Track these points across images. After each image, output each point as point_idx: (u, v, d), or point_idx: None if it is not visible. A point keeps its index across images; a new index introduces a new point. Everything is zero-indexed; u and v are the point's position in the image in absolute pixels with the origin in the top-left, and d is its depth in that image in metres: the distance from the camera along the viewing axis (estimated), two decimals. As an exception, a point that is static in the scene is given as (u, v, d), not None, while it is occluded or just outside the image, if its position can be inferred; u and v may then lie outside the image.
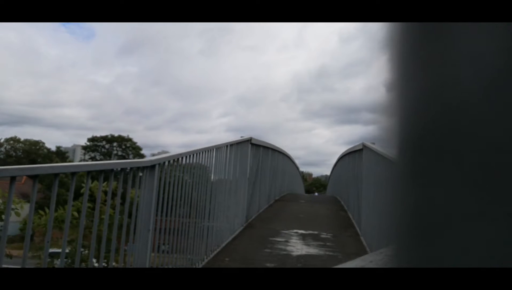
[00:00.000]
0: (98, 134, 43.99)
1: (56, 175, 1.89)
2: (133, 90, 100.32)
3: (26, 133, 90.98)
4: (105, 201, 2.52)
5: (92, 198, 3.06)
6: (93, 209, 2.47)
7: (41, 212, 5.74)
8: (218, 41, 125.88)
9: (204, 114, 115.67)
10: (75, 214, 4.84)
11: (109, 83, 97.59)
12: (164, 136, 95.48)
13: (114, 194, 2.62)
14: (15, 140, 43.70)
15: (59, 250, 2.07)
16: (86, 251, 2.27)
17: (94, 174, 2.24)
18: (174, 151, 3.41)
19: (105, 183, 2.62)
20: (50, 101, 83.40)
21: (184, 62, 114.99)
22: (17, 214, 5.00)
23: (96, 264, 2.51)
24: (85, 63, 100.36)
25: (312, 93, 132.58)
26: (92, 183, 4.27)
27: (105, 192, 2.62)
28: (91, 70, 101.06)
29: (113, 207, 2.95)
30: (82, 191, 4.34)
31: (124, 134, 44.38)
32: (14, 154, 42.42)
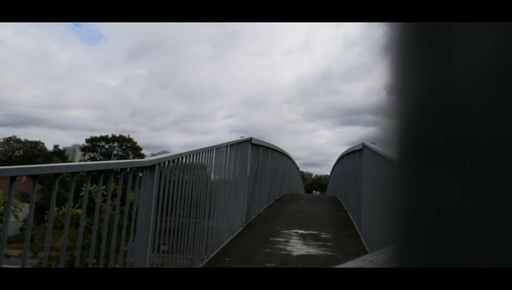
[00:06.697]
0: (103, 134, 43.85)
1: (56, 175, 1.89)
2: (140, 92, 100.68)
3: (30, 133, 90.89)
4: (105, 201, 2.52)
5: (92, 203, 3.06)
6: (93, 209, 2.47)
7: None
8: (225, 46, 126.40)
9: (209, 116, 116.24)
10: (78, 211, 4.82)
11: (116, 85, 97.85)
12: (168, 137, 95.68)
13: (114, 195, 2.62)
14: (14, 140, 43.62)
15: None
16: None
17: (94, 174, 2.24)
18: (176, 151, 3.41)
19: (105, 186, 2.61)
20: (57, 103, 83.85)
21: (191, 66, 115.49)
22: (16, 217, 4.99)
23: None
24: (95, 66, 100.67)
25: (316, 95, 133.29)
26: (91, 186, 4.26)
27: (104, 195, 2.62)
28: (100, 73, 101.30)
29: (113, 207, 2.95)
30: (81, 194, 4.34)
31: (129, 135, 44.35)
32: (11, 154, 42.37)
